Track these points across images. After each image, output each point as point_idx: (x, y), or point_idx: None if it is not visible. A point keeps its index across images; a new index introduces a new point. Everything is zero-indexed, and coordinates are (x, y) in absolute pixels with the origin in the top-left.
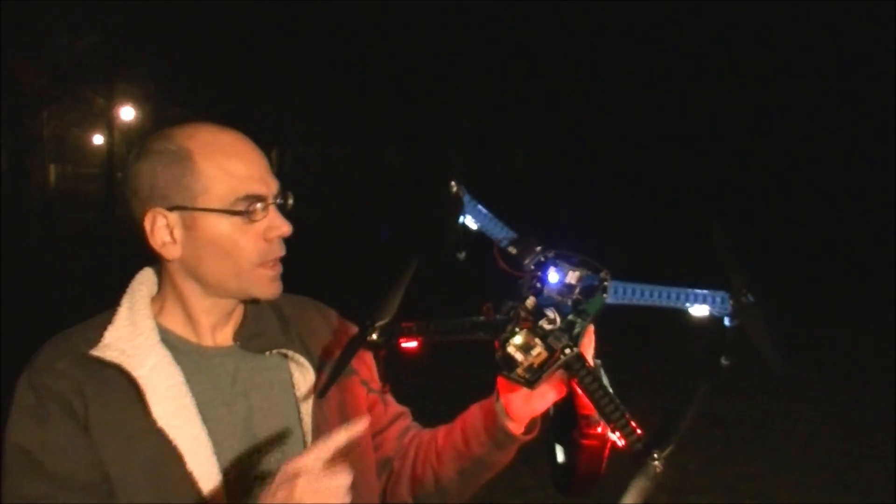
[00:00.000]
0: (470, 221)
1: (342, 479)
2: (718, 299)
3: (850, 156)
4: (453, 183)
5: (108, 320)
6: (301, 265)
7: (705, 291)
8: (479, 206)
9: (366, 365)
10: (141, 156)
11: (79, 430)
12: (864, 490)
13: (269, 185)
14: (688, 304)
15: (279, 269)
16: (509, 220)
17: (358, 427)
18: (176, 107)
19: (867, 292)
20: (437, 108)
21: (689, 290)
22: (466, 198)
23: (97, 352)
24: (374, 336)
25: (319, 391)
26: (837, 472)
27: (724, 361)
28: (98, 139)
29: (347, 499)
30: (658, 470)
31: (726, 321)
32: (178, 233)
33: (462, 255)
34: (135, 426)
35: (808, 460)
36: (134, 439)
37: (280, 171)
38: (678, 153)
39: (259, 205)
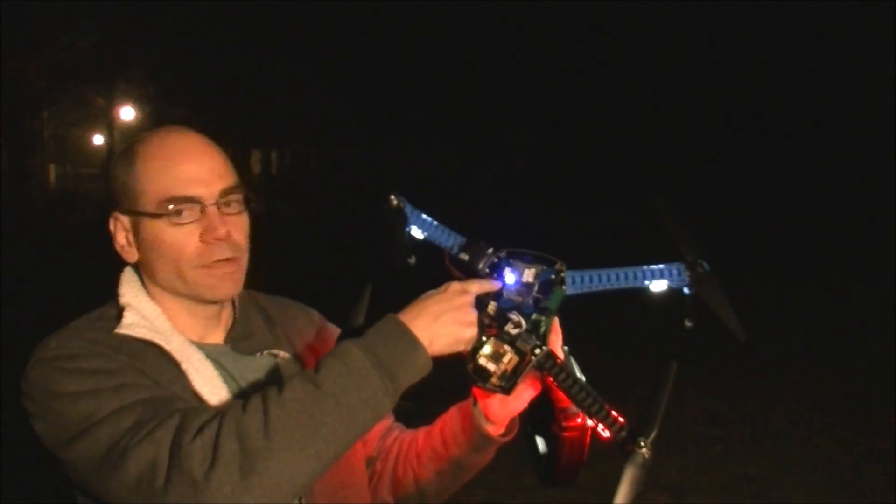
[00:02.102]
0: (416, 232)
1: (474, 313)
2: (675, 272)
3: (850, 154)
4: (393, 196)
5: (112, 312)
6: (301, 265)
7: (661, 266)
8: (424, 216)
9: None
10: (114, 161)
11: (144, 375)
12: (864, 490)
13: (209, 187)
14: (647, 282)
15: (230, 268)
16: (509, 220)
17: None
18: (176, 107)
19: (867, 292)
20: (436, 108)
21: (646, 268)
22: (409, 208)
23: (125, 330)
24: None
25: None
26: (837, 472)
27: (687, 324)
28: (98, 139)
29: (475, 330)
30: (646, 456)
31: (685, 291)
32: (131, 237)
33: (412, 261)
34: (180, 388)
35: (808, 460)
36: (183, 398)
37: (280, 171)
38: (680, 152)
39: (187, 206)
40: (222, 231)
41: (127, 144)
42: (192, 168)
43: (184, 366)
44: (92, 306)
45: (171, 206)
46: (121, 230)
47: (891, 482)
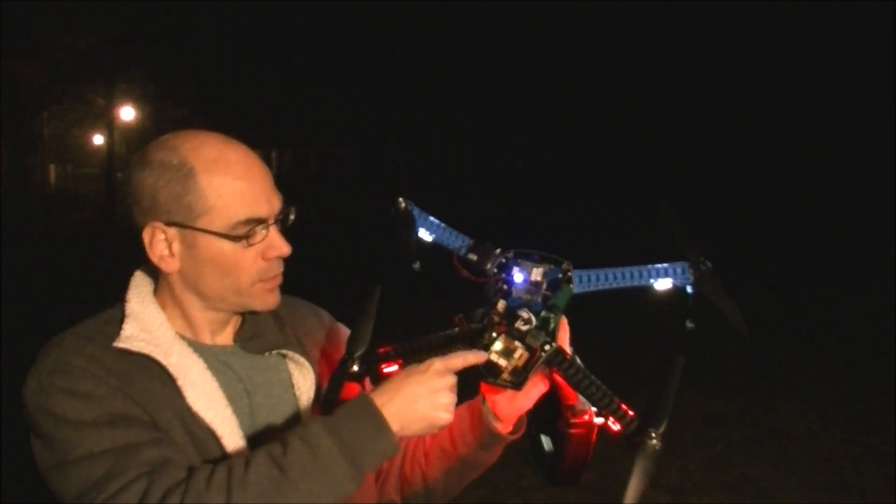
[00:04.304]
0: (424, 234)
1: (453, 397)
2: (679, 270)
3: (850, 154)
4: (401, 199)
5: (119, 316)
6: (300, 266)
7: (666, 265)
8: (431, 218)
9: None
10: (143, 165)
11: (131, 402)
12: (864, 490)
13: (271, 205)
14: (651, 280)
15: (278, 280)
16: (508, 219)
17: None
18: (176, 107)
19: (867, 292)
20: (436, 109)
21: (651, 267)
22: (416, 211)
23: (123, 343)
24: (355, 367)
25: (323, 410)
26: (837, 472)
27: (689, 325)
28: (98, 139)
29: (450, 416)
30: (657, 448)
31: (688, 289)
32: (176, 248)
33: (416, 266)
34: (171, 409)
35: (808, 460)
36: (171, 421)
37: (280, 171)
38: (681, 151)
39: (259, 227)
40: (286, 249)
41: (163, 152)
42: (257, 187)
43: (179, 382)
44: (101, 307)
45: (244, 228)
46: (161, 241)
47: (891, 482)
